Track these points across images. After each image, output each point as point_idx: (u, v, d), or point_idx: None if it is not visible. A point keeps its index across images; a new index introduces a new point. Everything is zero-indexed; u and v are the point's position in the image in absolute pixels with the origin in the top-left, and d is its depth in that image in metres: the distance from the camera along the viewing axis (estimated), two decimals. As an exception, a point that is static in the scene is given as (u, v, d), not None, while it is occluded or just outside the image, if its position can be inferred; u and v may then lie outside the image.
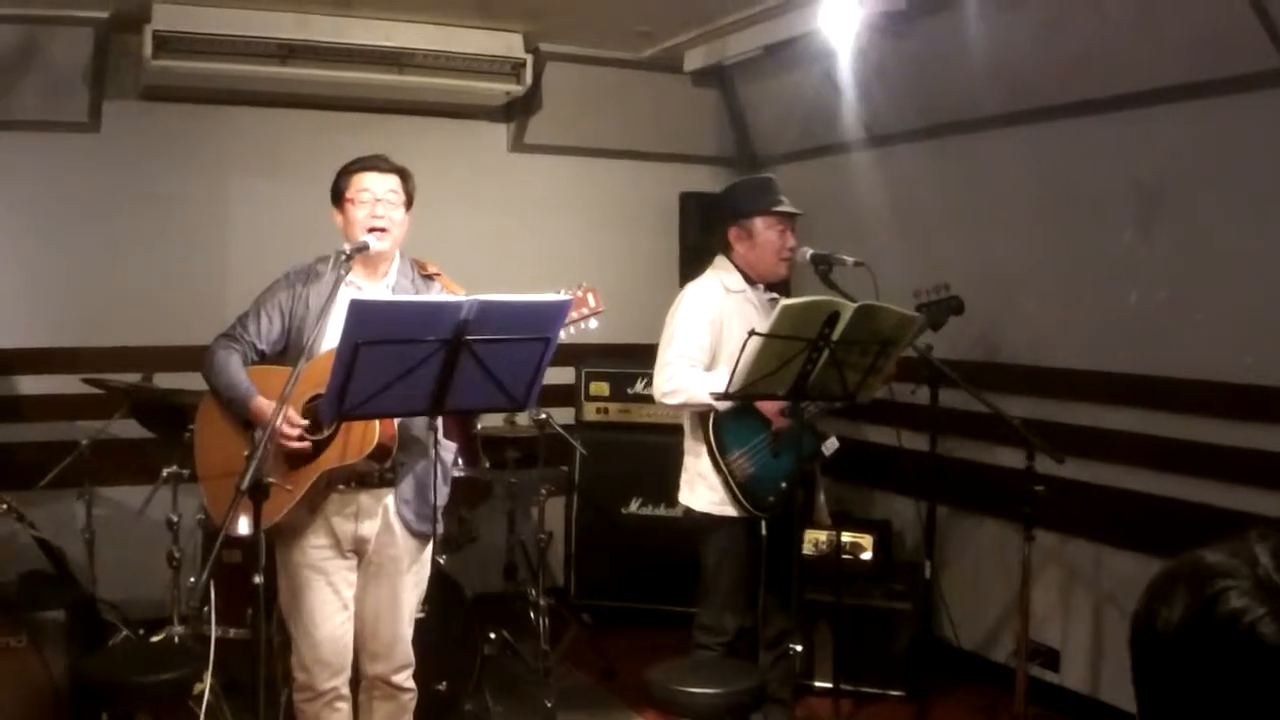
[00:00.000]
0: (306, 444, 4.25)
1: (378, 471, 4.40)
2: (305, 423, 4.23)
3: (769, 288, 5.49)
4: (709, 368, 5.27)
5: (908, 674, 6.24)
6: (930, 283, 5.72)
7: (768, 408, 5.20)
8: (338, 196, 4.51)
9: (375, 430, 4.18)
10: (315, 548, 4.43)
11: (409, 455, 4.43)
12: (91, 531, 6.13)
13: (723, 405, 5.16)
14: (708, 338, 5.28)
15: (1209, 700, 1.42)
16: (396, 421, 4.28)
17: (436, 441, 4.32)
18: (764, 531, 5.26)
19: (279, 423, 4.06)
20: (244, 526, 4.43)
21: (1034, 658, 5.85)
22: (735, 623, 5.39)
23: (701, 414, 5.27)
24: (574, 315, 4.31)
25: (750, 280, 5.43)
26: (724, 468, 5.21)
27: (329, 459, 4.24)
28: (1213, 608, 1.41)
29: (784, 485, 5.23)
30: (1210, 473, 5.29)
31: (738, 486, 5.20)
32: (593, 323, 4.40)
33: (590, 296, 4.38)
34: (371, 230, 4.39)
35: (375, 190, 4.44)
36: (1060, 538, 6.00)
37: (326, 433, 4.24)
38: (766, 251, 5.37)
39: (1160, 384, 5.56)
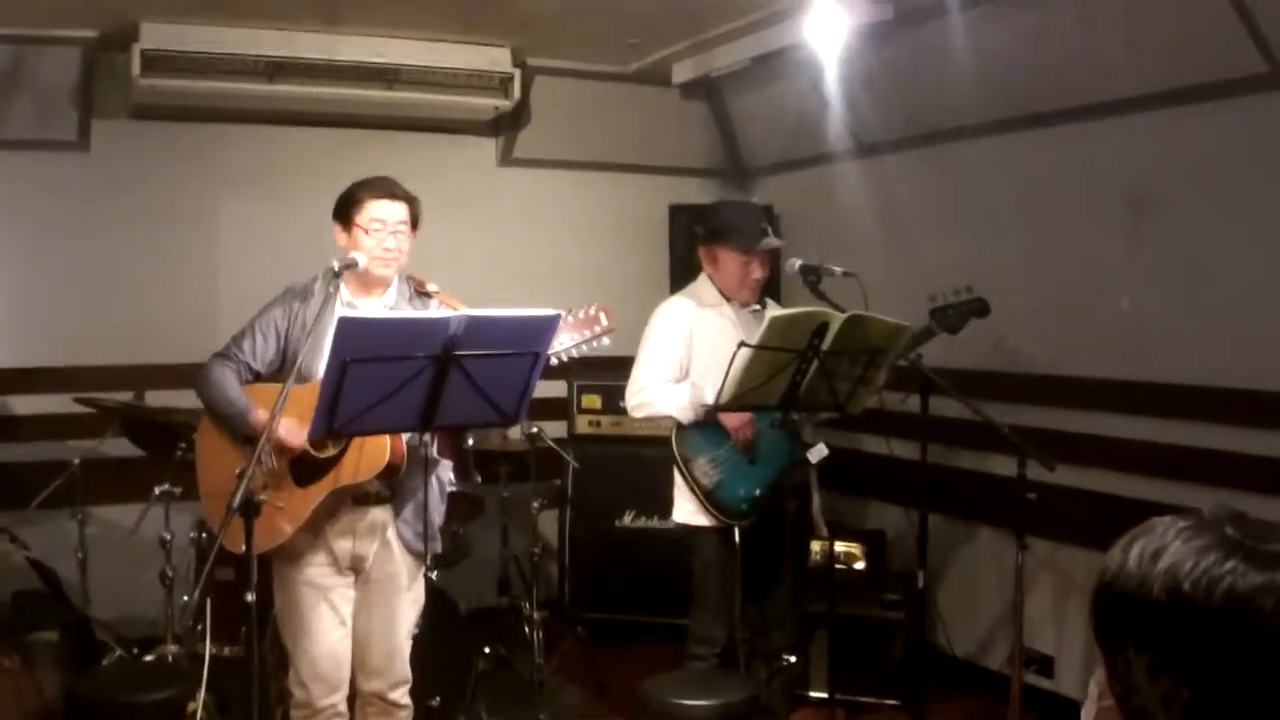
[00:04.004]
0: (304, 444, 4.25)
1: (377, 490, 4.40)
2: (305, 435, 4.23)
3: (758, 299, 5.53)
4: (679, 382, 5.33)
5: (902, 683, 6.23)
6: (922, 291, 5.70)
7: (727, 420, 5.24)
8: (345, 217, 4.48)
9: (386, 449, 4.19)
10: (314, 565, 4.43)
11: (408, 474, 4.41)
12: (84, 551, 6.14)
13: (686, 419, 5.22)
14: (678, 352, 5.36)
15: (1176, 653, 1.47)
16: (404, 439, 4.28)
17: (429, 459, 4.33)
18: (737, 539, 5.28)
19: (279, 430, 4.09)
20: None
21: (1028, 665, 5.86)
22: (725, 632, 5.41)
23: (672, 425, 5.34)
24: (586, 334, 4.34)
25: (726, 295, 5.47)
26: (689, 476, 5.27)
27: (339, 477, 4.25)
28: (1181, 562, 1.47)
29: (759, 494, 5.26)
30: (1202, 478, 5.29)
31: (704, 495, 5.25)
32: (605, 340, 4.41)
33: (602, 315, 4.38)
34: (377, 259, 4.40)
35: (389, 221, 4.43)
36: (1053, 545, 6.01)
37: (333, 451, 4.25)
38: (729, 279, 5.45)
39: (1152, 389, 5.57)
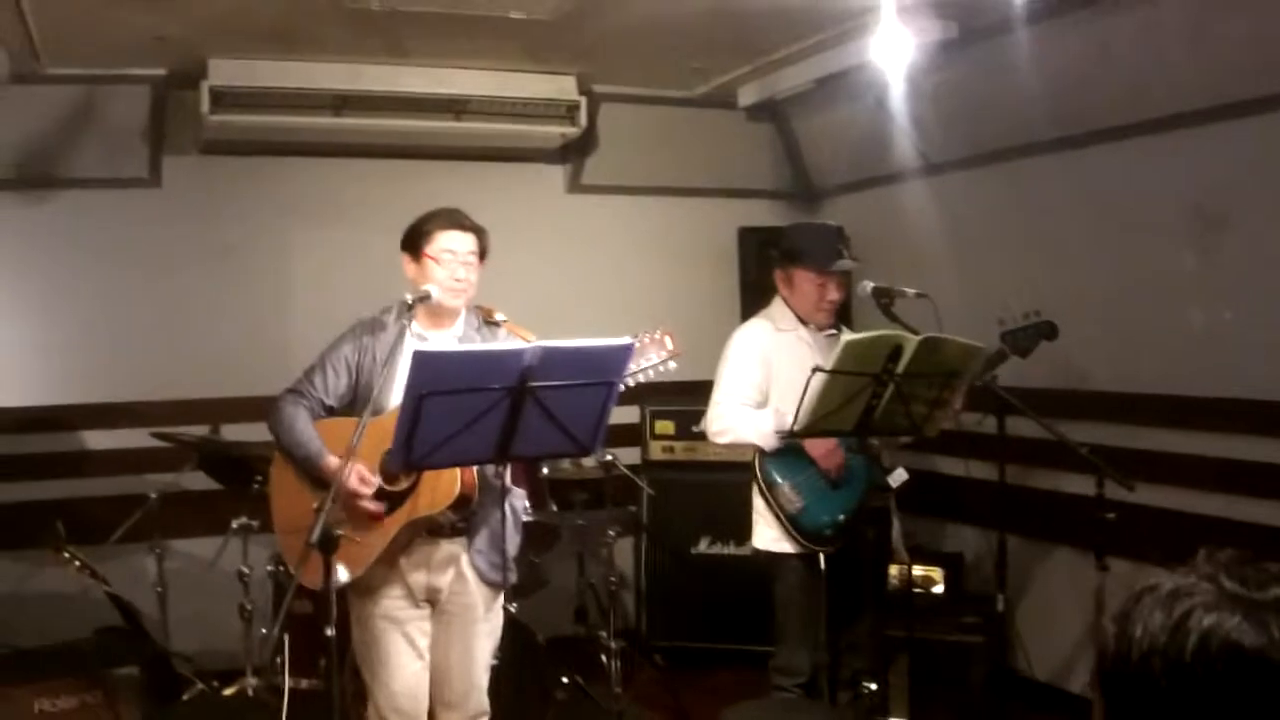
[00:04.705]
0: (380, 506, 4.26)
1: (451, 521, 4.40)
2: (377, 481, 4.24)
3: (833, 323, 5.52)
4: (761, 406, 5.31)
5: (983, 707, 6.16)
6: (992, 310, 5.66)
7: (813, 447, 5.21)
8: (414, 248, 4.50)
9: (457, 480, 4.19)
10: (390, 598, 4.44)
11: (482, 504, 4.42)
12: (163, 585, 6.18)
13: (770, 446, 5.20)
14: (758, 376, 5.35)
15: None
16: (475, 469, 4.28)
17: (505, 489, 4.32)
18: (823, 566, 5.25)
19: (351, 480, 4.09)
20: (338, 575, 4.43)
21: (1111, 687, 5.78)
22: (810, 662, 5.38)
23: (754, 451, 5.32)
24: (653, 358, 4.32)
25: (802, 319, 5.46)
26: (772, 502, 5.25)
27: (412, 509, 4.25)
28: (1184, 626, 1.43)
29: (843, 519, 5.23)
30: (1284, 495, 5.23)
31: (788, 520, 5.23)
32: (671, 365, 4.39)
33: (667, 339, 4.37)
34: (448, 289, 4.41)
35: (459, 252, 4.45)
36: (1134, 565, 5.90)
37: (406, 484, 4.25)
38: (804, 301, 5.44)
39: (1229, 405, 5.50)
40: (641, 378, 4.33)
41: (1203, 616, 1.42)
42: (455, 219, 4.51)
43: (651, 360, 4.34)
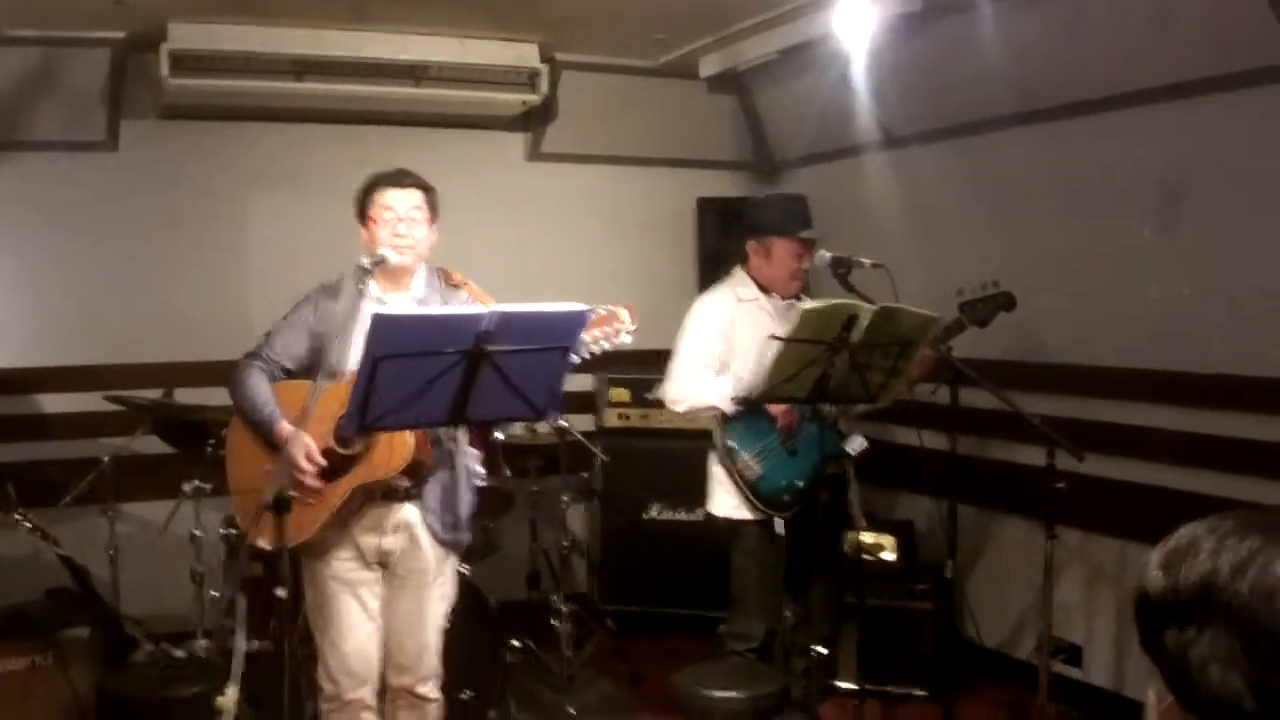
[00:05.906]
0: (319, 484, 4.26)
1: (403, 486, 4.41)
2: (324, 463, 4.24)
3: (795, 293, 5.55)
4: (720, 375, 5.34)
5: (932, 673, 6.22)
6: (952, 283, 5.68)
7: (773, 408, 5.25)
8: (361, 210, 4.51)
9: (409, 445, 4.20)
10: (340, 560, 4.45)
11: (434, 466, 4.43)
12: (115, 548, 6.17)
13: (730, 409, 5.23)
14: (718, 346, 5.38)
15: (1237, 646, 1.49)
16: (429, 435, 4.29)
17: (457, 450, 4.33)
18: (780, 531, 5.29)
19: (299, 457, 4.09)
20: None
21: (1057, 654, 5.84)
22: (764, 627, 5.43)
23: (715, 419, 5.35)
24: (607, 330, 4.31)
25: (764, 288, 5.49)
26: (733, 470, 5.28)
27: (362, 474, 4.26)
28: (1218, 558, 1.53)
29: (800, 485, 5.27)
30: (1233, 467, 5.26)
31: (748, 487, 5.27)
32: (625, 339, 4.37)
33: (624, 313, 4.36)
34: (391, 247, 4.41)
35: (398, 208, 4.44)
36: (1083, 535, 5.99)
37: (359, 448, 4.26)
38: (781, 270, 5.47)
39: (1184, 379, 5.54)
40: (595, 349, 4.32)
41: (1225, 542, 1.53)
42: (394, 178, 4.51)
43: (603, 332, 4.32)
